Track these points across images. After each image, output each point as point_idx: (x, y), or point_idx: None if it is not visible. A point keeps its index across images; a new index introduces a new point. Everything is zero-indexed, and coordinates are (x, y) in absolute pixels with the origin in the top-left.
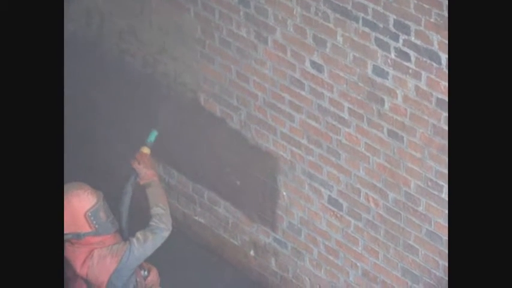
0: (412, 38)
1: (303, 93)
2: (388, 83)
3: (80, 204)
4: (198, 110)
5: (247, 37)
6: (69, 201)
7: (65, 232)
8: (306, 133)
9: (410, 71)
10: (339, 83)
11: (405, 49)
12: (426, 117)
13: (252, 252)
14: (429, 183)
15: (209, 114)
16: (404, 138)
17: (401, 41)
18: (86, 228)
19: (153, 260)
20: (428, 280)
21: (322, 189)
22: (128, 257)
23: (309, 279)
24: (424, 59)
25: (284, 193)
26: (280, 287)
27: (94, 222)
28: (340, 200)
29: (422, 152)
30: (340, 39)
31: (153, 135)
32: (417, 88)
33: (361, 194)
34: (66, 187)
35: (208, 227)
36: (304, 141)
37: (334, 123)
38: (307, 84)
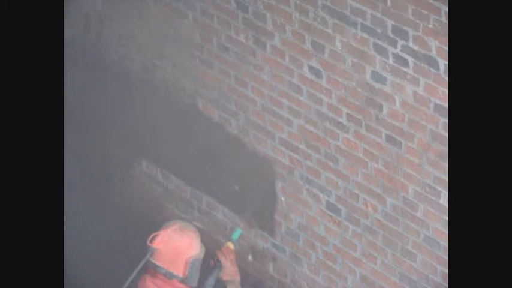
0: (411, 44)
1: (301, 98)
2: (387, 88)
3: (189, 247)
4: (196, 115)
5: (245, 43)
6: (181, 239)
7: (160, 265)
8: (304, 138)
9: (408, 76)
10: (337, 89)
11: (403, 55)
12: (424, 123)
13: (250, 257)
14: (427, 189)
15: (207, 119)
16: (403, 144)
17: (399, 46)
18: (179, 272)
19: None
20: (426, 286)
21: (320, 195)
22: None
23: (307, 285)
24: (422, 65)
25: (282, 198)
26: None
27: (189, 270)
28: (338, 206)
29: (420, 157)
30: (338, 44)
31: (237, 233)
32: (415, 94)
33: (359, 199)
34: (183, 224)
35: (207, 232)
36: (302, 147)
37: (332, 128)
38: (305, 89)
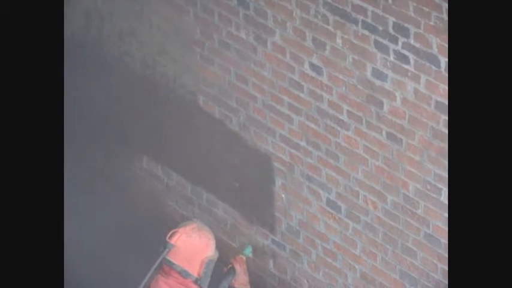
0: (412, 41)
1: (302, 95)
2: (387, 85)
3: (206, 247)
4: (197, 112)
5: (246, 39)
6: (199, 239)
7: (176, 262)
8: (304, 135)
9: (409, 73)
10: (338, 86)
11: (404, 52)
12: (425, 120)
13: (250, 254)
14: (428, 187)
15: (208, 115)
16: (403, 141)
17: (400, 43)
18: (194, 271)
19: (152, 262)
20: (427, 283)
21: (321, 192)
22: None
23: (307, 282)
24: (423, 62)
25: (283, 195)
26: None
27: (204, 270)
28: (339, 203)
29: (421, 154)
30: (339, 41)
31: (248, 251)
32: (416, 91)
33: (360, 196)
34: (200, 224)
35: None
36: (303, 144)
37: (333, 125)
38: (306, 86)
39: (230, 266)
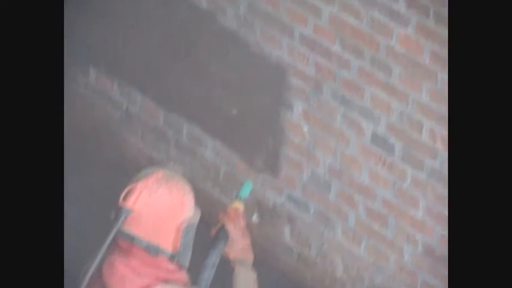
0: None
1: None
2: None
3: (180, 207)
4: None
5: None
6: (168, 195)
7: (137, 235)
8: (339, 35)
9: None
10: None
11: None
12: None
13: (254, 217)
14: None
15: (192, 6)
16: None
17: None
18: (166, 244)
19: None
20: None
21: (364, 123)
22: None
23: (342, 260)
24: None
25: (305, 128)
26: (297, 270)
27: (182, 241)
28: (391, 139)
29: None
30: None
31: (247, 188)
32: None
33: (424, 128)
34: (169, 173)
35: (189, 178)
36: (336, 48)
37: (383, 18)
38: None
39: (220, 225)
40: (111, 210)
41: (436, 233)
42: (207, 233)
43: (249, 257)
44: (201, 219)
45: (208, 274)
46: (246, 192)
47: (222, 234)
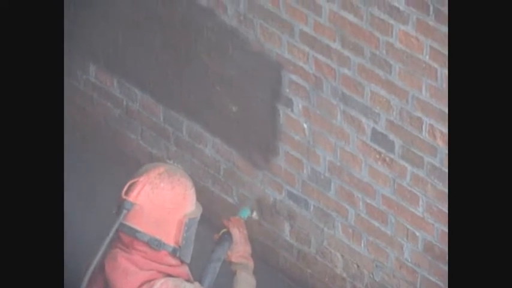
0: None
1: None
2: None
3: (183, 201)
4: None
5: None
6: (171, 189)
7: (140, 229)
8: (339, 32)
9: None
10: None
11: None
12: None
13: (254, 214)
14: None
15: (192, 2)
16: None
17: None
18: (169, 239)
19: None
20: None
21: (363, 120)
22: None
23: (342, 256)
24: None
25: (304, 125)
26: (297, 267)
27: (184, 235)
28: (391, 136)
29: None
30: None
31: (244, 212)
32: None
33: (424, 126)
34: (171, 167)
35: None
36: (335, 46)
37: (383, 16)
38: None
39: (224, 230)
40: (111, 205)
41: (436, 230)
42: (207, 230)
43: (250, 263)
44: (202, 216)
45: (213, 266)
46: (244, 213)
47: (227, 237)
